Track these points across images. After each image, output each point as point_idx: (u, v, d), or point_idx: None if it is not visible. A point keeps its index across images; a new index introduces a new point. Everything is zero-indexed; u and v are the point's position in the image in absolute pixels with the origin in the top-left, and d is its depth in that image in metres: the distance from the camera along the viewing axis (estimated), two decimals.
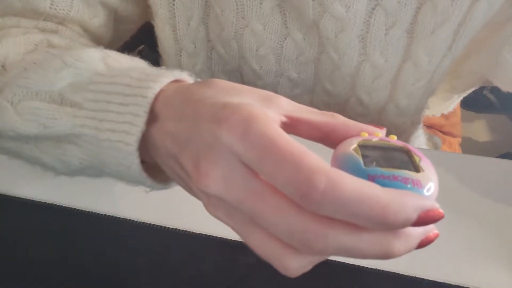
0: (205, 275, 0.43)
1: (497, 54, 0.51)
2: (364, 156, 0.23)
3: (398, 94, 0.55)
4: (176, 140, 0.26)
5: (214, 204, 0.25)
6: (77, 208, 0.47)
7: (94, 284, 0.43)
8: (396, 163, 0.24)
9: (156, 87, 0.28)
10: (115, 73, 0.31)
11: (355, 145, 0.24)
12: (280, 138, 0.22)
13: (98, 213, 0.47)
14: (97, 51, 0.33)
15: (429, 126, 0.84)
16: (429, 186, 0.23)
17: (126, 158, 0.29)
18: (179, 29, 0.53)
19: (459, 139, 0.87)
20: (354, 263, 0.43)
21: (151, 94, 0.28)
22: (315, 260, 0.24)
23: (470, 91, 0.65)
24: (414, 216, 0.21)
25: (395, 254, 0.23)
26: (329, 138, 0.27)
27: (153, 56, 0.58)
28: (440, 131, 0.84)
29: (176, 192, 0.49)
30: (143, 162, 0.29)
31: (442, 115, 0.83)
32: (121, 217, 0.46)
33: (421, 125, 0.66)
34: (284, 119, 0.26)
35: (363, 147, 0.24)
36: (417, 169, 0.24)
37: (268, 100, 0.26)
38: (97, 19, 0.49)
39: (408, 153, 0.25)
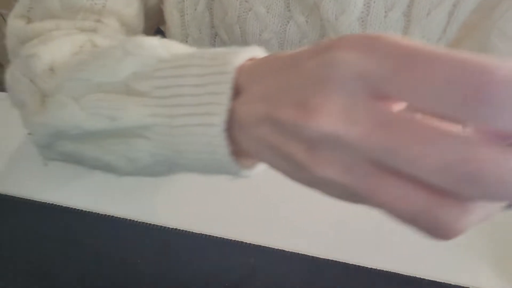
0: (205, 275, 0.43)
1: (486, 40, 0.51)
2: None
3: None
4: (269, 97, 0.23)
5: (327, 156, 0.20)
6: (77, 208, 0.47)
7: (94, 284, 0.43)
8: None
9: (236, 62, 0.26)
10: (181, 58, 0.29)
11: None
12: (420, 44, 0.17)
13: (98, 213, 0.47)
14: (155, 39, 0.32)
15: None
16: None
17: (210, 142, 0.26)
18: (186, 14, 0.53)
19: None
20: (354, 263, 0.43)
21: (232, 68, 0.26)
22: (485, 212, 0.18)
23: None
24: None
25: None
26: None
27: None
28: None
29: (176, 192, 0.49)
30: None
31: None
32: (121, 217, 0.46)
33: None
34: None
35: None
36: None
37: None
38: (131, 8, 0.48)
39: None
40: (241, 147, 0.26)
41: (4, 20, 1.00)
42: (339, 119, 0.18)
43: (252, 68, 0.25)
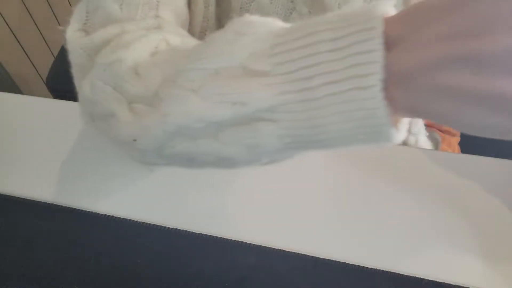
0: (205, 275, 0.43)
1: None
2: None
3: None
4: (445, 38, 0.21)
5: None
6: (77, 208, 0.47)
7: (94, 284, 0.43)
8: None
9: (381, 16, 0.24)
10: (300, 28, 0.26)
11: None
12: None
13: (98, 213, 0.47)
14: (257, 16, 0.30)
15: (429, 125, 0.84)
16: None
17: (363, 106, 0.24)
18: (210, 5, 0.52)
19: (458, 138, 0.87)
20: (354, 263, 0.43)
21: (379, 23, 0.23)
22: None
23: None
24: None
25: None
26: None
27: None
28: (439, 130, 0.84)
29: (177, 192, 0.49)
30: None
31: None
32: (121, 217, 0.46)
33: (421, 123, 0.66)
34: None
35: None
36: None
37: None
38: None
39: None
40: (398, 106, 0.24)
41: None
42: None
43: (401, 18, 0.24)
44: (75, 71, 0.41)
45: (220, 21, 0.55)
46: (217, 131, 0.30)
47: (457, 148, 0.86)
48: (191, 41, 0.33)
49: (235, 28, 0.29)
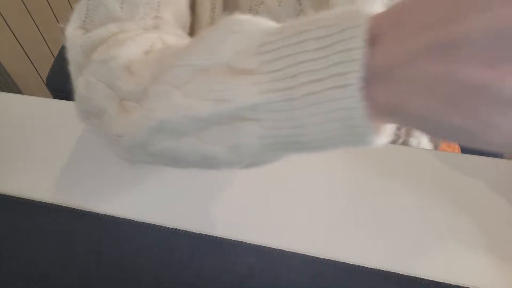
0: (205, 275, 0.43)
1: None
2: None
3: None
4: (427, 26, 0.21)
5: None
6: (77, 208, 0.47)
7: (94, 284, 0.43)
8: None
9: (366, 13, 0.24)
10: (288, 27, 0.26)
11: None
12: None
13: (98, 213, 0.47)
14: (249, 15, 0.30)
15: None
16: None
17: (343, 105, 0.23)
18: (217, 7, 0.52)
19: None
20: (354, 263, 0.43)
21: (363, 20, 0.23)
22: None
23: None
24: None
25: None
26: None
27: None
28: None
29: (176, 192, 0.49)
30: None
31: None
32: (121, 217, 0.46)
33: None
34: None
35: None
36: None
37: None
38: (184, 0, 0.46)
39: None
40: (378, 106, 0.24)
41: None
42: None
43: (385, 15, 0.23)
44: (72, 69, 0.41)
45: None
46: (200, 130, 0.30)
47: (457, 147, 0.86)
48: (187, 42, 0.34)
49: (224, 26, 0.29)
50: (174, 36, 0.40)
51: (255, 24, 0.28)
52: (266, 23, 0.29)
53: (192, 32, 0.54)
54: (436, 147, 0.77)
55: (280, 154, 0.30)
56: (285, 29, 0.26)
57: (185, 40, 0.38)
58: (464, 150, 0.87)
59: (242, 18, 0.29)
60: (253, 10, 0.51)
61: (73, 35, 0.42)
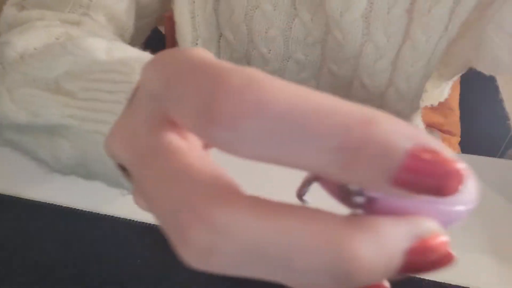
0: (205, 275, 0.43)
1: (482, 34, 0.51)
2: None
3: (398, 77, 0.56)
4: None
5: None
6: (77, 208, 0.47)
7: (94, 284, 0.43)
8: None
9: (138, 71, 0.25)
10: (112, 62, 0.29)
11: None
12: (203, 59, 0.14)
13: (98, 213, 0.47)
14: (103, 41, 0.31)
15: (429, 126, 0.84)
16: None
17: (103, 151, 0.25)
18: (197, 15, 0.53)
19: (458, 138, 0.87)
20: None
21: (135, 78, 0.25)
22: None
23: (456, 77, 0.66)
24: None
25: (356, 259, 0.13)
26: None
27: None
28: (440, 130, 0.85)
29: None
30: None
31: (441, 113, 0.83)
32: (121, 217, 0.46)
33: (420, 114, 0.67)
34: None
35: None
36: None
37: None
38: (121, 4, 0.48)
39: None
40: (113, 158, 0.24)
41: None
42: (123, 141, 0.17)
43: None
44: None
45: (219, 28, 0.55)
46: (32, 133, 0.32)
47: (457, 148, 0.86)
48: (115, 46, 0.33)
49: (65, 44, 0.31)
50: (86, 33, 0.41)
51: (91, 50, 0.30)
52: (112, 50, 0.31)
53: (173, 42, 0.55)
54: None
55: (92, 177, 0.32)
56: (107, 63, 0.29)
57: (114, 43, 0.38)
58: (464, 150, 0.87)
59: (83, 41, 0.31)
60: (248, 15, 0.52)
61: (7, 10, 0.44)
